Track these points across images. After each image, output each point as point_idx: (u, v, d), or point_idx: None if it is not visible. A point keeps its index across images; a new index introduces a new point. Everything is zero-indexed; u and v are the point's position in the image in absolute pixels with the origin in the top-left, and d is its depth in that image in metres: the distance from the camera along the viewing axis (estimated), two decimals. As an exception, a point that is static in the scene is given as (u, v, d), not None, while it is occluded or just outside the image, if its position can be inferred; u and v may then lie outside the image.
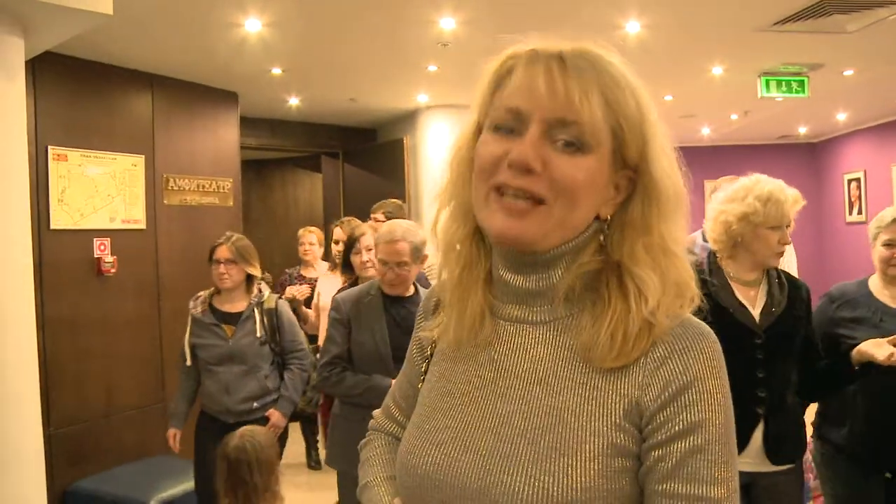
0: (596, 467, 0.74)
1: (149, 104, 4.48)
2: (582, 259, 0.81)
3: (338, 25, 3.80)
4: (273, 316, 3.12)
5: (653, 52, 4.11)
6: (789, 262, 3.44)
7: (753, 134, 8.03)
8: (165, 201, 4.52)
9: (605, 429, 0.76)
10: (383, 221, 3.48)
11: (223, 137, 5.04)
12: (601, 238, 0.82)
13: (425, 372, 0.95)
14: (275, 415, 3.05)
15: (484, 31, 3.77)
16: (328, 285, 3.85)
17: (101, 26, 2.86)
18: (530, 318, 0.84)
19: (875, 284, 2.40)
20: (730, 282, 2.10)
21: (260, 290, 3.15)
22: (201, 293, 3.17)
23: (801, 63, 4.83)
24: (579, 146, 0.77)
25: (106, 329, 4.11)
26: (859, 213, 7.75)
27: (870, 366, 2.05)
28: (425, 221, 4.17)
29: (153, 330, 4.38)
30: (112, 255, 4.13)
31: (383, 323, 2.60)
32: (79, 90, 4.08)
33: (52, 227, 3.87)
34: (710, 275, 2.10)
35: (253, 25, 3.69)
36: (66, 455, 3.82)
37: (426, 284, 2.89)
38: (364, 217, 4.18)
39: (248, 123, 5.64)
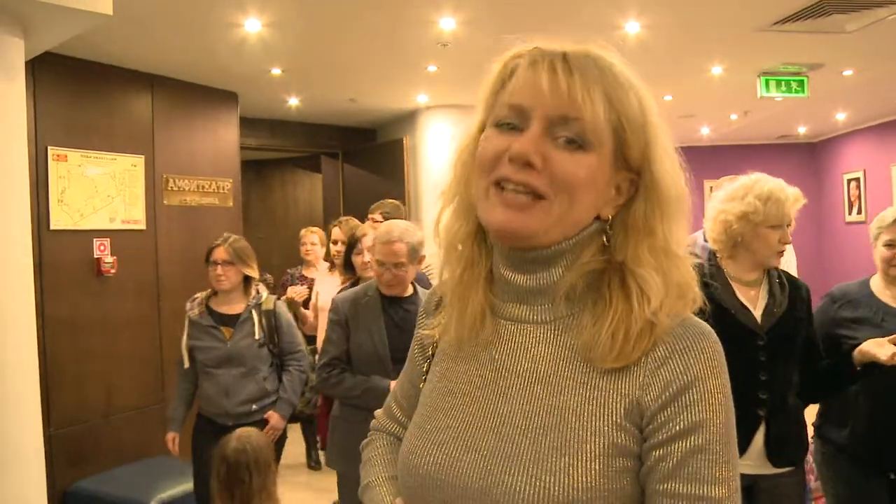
0: (597, 467, 0.74)
1: (149, 104, 4.48)
2: (583, 258, 0.81)
3: (338, 25, 3.80)
4: (271, 317, 3.09)
5: (652, 52, 4.11)
6: (789, 262, 3.43)
7: (753, 134, 8.03)
8: (165, 202, 4.52)
9: (606, 428, 0.76)
10: (381, 222, 3.47)
11: (223, 138, 5.04)
12: (604, 239, 0.82)
13: (427, 371, 0.95)
14: (273, 417, 3.03)
15: (484, 32, 3.77)
16: (326, 285, 3.83)
17: (101, 26, 2.85)
18: (531, 318, 0.84)
19: (876, 284, 2.40)
20: (730, 282, 2.09)
21: (258, 292, 3.12)
22: (198, 295, 3.13)
23: (801, 63, 4.84)
24: (581, 143, 0.77)
25: (106, 329, 4.11)
26: (859, 212, 7.75)
27: (872, 366, 2.04)
28: (425, 222, 4.16)
29: (153, 330, 4.38)
30: (112, 255, 4.13)
31: (381, 324, 2.59)
32: (79, 90, 4.08)
33: (52, 227, 3.87)
34: (711, 277, 2.09)
35: (253, 25, 3.69)
36: (66, 455, 3.82)
37: (426, 285, 2.88)
38: (364, 217, 4.17)
39: (247, 124, 5.63)
